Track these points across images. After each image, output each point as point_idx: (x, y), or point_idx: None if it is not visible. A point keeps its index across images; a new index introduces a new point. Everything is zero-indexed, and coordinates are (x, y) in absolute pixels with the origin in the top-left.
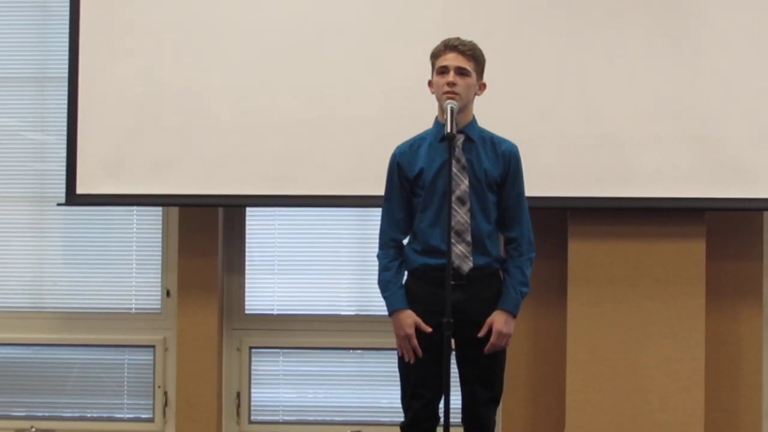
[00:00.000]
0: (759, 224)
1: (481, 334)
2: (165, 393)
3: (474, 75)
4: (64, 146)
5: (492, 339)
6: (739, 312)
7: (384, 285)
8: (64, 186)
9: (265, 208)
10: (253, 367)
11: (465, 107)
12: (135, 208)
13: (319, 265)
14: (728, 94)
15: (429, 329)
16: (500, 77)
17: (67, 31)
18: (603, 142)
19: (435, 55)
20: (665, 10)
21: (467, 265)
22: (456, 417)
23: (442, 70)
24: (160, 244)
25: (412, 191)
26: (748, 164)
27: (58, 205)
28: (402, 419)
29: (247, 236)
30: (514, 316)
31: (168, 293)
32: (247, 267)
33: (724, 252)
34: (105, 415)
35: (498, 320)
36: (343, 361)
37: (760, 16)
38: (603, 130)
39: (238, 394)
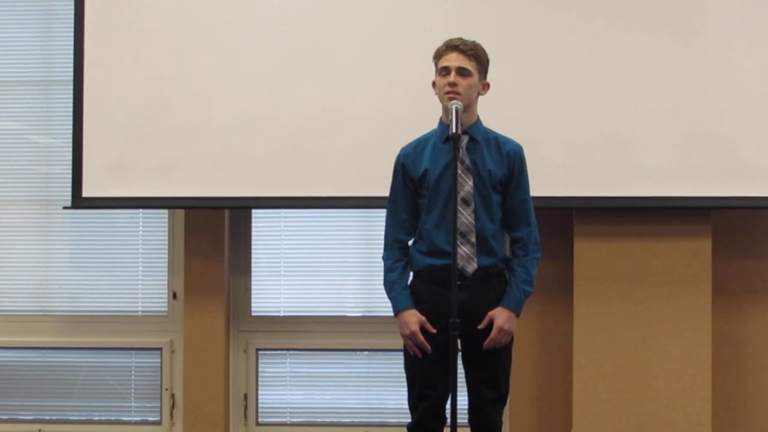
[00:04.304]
0: (765, 222)
1: (481, 326)
2: (172, 395)
3: (476, 75)
4: (70, 149)
5: (492, 334)
6: (745, 310)
7: (389, 286)
8: (69, 189)
9: (270, 209)
10: (260, 369)
11: (468, 107)
12: (141, 210)
13: (325, 267)
14: (734, 93)
15: (434, 330)
16: (505, 77)
17: (72, 34)
18: (608, 141)
19: (437, 56)
20: (671, 9)
21: (472, 266)
22: (463, 417)
23: (444, 71)
24: (166, 247)
25: (417, 192)
26: (754, 162)
27: (64, 208)
28: (409, 420)
29: (252, 238)
30: (517, 315)
31: (174, 296)
32: (253, 269)
33: (730, 250)
34: (112, 418)
35: (500, 316)
36: (350, 362)
37: (767, 14)
38: (608, 130)
39: (245, 396)
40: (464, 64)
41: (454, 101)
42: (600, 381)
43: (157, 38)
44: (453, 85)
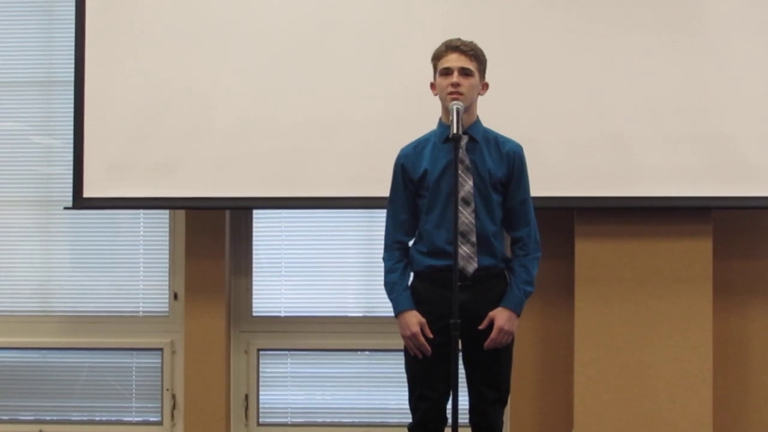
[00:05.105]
0: (766, 222)
1: (482, 326)
2: (173, 396)
3: (477, 75)
4: (71, 150)
5: (492, 334)
6: (747, 310)
7: (390, 287)
8: (70, 189)
9: (271, 210)
10: (261, 369)
11: (468, 107)
12: (142, 211)
13: (326, 267)
14: (735, 93)
15: (431, 336)
16: (506, 77)
17: (73, 35)
18: (609, 141)
19: (437, 57)
20: (672, 9)
21: (472, 266)
22: (464, 418)
23: (446, 72)
24: (167, 247)
25: (416, 193)
26: (755, 162)
27: (65, 208)
28: (410, 420)
29: (253, 238)
30: (518, 315)
31: (175, 296)
32: (254, 269)
33: (731, 250)
34: (113, 419)
35: (500, 316)
36: (351, 362)
37: (767, 14)
38: (609, 130)
39: (246, 397)
40: (466, 64)
41: (455, 102)
42: (601, 381)
43: (158, 39)
44: (456, 85)
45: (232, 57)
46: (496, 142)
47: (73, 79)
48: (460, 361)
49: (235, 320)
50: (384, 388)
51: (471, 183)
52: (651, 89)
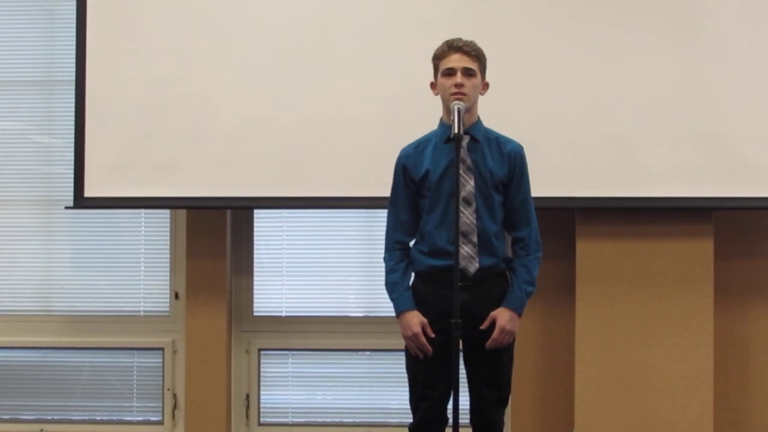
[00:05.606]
0: (767, 223)
1: (483, 326)
2: (174, 395)
3: (479, 75)
4: (72, 149)
5: (494, 335)
6: (748, 311)
7: (391, 287)
8: (71, 189)
9: (272, 209)
10: (262, 369)
11: (470, 107)
12: (143, 210)
13: (327, 267)
14: (736, 93)
15: (433, 335)
16: (507, 77)
17: (74, 34)
18: (610, 141)
19: (438, 57)
20: (672, 9)
21: (473, 266)
22: (465, 418)
23: (449, 72)
24: (168, 247)
25: (418, 193)
26: (756, 163)
27: (66, 208)
28: (410, 420)
29: (255, 238)
30: (519, 315)
31: (176, 296)
32: (255, 269)
33: (732, 251)
34: (114, 418)
35: (502, 317)
36: (351, 362)
37: (767, 14)
38: (609, 130)
39: (247, 396)
40: (469, 64)
41: (457, 102)
42: (601, 381)
43: (159, 38)
44: (460, 86)
45: (233, 56)
46: (497, 142)
47: (74, 78)
48: (461, 361)
49: (236, 320)
50: (385, 388)
51: (472, 183)
52: (651, 89)
